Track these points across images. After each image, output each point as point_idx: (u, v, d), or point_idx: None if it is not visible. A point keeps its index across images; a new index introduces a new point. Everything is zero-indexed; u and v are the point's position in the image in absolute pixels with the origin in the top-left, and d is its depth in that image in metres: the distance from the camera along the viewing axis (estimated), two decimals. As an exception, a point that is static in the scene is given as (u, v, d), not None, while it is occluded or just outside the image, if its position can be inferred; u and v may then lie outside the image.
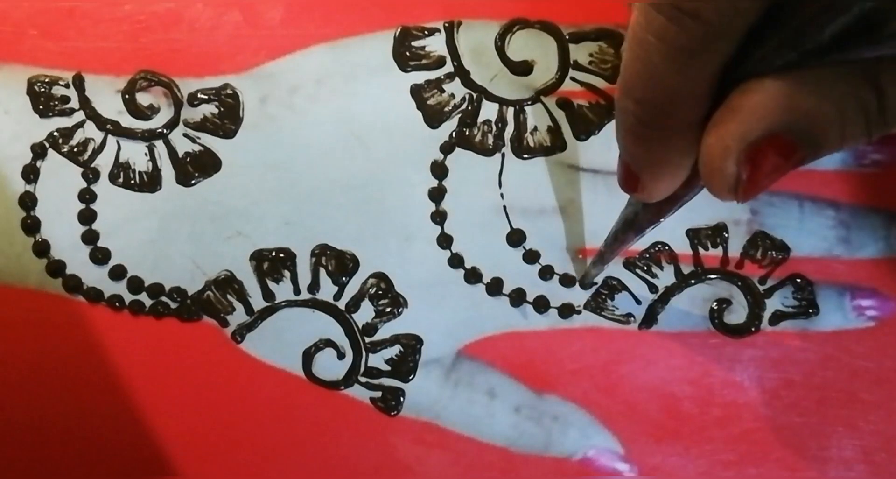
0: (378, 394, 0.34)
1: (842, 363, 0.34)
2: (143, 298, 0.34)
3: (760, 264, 0.34)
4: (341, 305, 0.34)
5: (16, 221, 0.33)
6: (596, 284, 0.34)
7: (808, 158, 0.22)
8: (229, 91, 0.34)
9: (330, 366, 0.34)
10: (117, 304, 0.33)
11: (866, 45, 0.21)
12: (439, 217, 0.34)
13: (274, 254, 0.34)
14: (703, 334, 0.34)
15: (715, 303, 0.34)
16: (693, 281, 0.34)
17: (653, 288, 0.34)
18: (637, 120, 0.24)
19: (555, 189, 0.34)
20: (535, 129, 0.35)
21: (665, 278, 0.34)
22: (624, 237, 0.30)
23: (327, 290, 0.34)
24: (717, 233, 0.34)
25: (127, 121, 0.34)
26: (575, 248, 0.34)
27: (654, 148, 0.24)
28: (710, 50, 0.22)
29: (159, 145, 0.34)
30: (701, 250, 0.34)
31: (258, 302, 0.34)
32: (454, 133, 0.35)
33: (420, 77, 0.35)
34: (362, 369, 0.34)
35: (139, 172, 0.34)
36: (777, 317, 0.34)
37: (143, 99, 0.34)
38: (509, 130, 0.35)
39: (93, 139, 0.34)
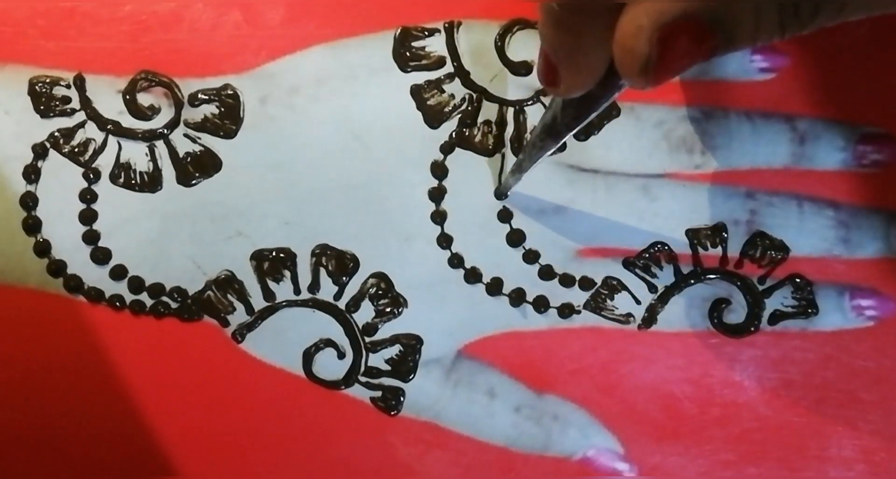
0: (378, 394, 0.34)
1: (841, 363, 0.34)
2: (144, 298, 0.34)
3: (760, 264, 0.35)
4: (341, 305, 0.34)
5: (17, 221, 0.34)
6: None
7: (720, 49, 0.22)
8: (230, 91, 0.34)
9: (330, 366, 0.34)
10: (118, 304, 0.34)
11: None
12: (439, 217, 0.34)
13: (274, 254, 0.34)
14: (702, 334, 0.34)
15: (714, 303, 0.34)
16: (692, 281, 0.34)
17: (652, 288, 0.34)
18: (558, 2, 0.24)
19: (554, 189, 0.34)
20: (535, 129, 0.35)
21: (664, 278, 0.34)
22: (542, 144, 0.30)
23: (327, 290, 0.34)
24: (716, 233, 0.34)
25: (128, 121, 0.34)
26: (574, 248, 0.34)
27: (572, 34, 0.24)
28: None
29: (160, 145, 0.34)
30: (700, 250, 0.34)
31: (258, 302, 0.34)
32: (454, 133, 0.35)
33: (420, 77, 0.35)
34: (362, 368, 0.34)
35: (140, 173, 0.34)
36: (776, 317, 0.34)
37: (144, 99, 0.34)
38: (509, 131, 0.35)
39: (94, 139, 0.34)
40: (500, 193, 0.34)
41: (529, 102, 0.35)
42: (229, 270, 0.34)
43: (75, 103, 0.34)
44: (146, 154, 0.34)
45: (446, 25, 0.35)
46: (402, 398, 0.34)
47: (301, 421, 0.33)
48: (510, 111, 0.35)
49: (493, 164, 0.35)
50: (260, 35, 0.35)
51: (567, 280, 0.34)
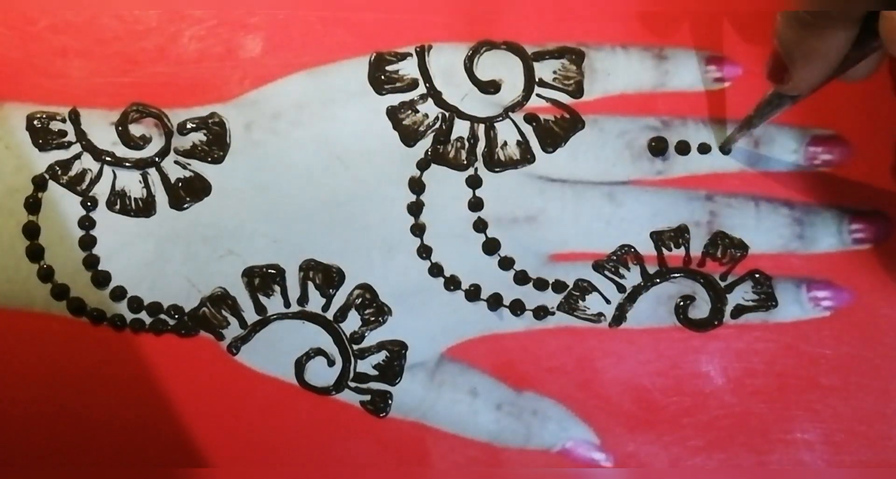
0: (367, 397, 0.34)
1: (801, 352, 0.35)
2: (143, 316, 0.34)
3: (721, 262, 0.36)
4: (329, 315, 0.35)
5: (21, 250, 0.34)
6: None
7: None
8: (216, 119, 0.35)
9: (321, 373, 0.34)
10: (119, 323, 0.34)
11: None
12: (418, 230, 0.35)
13: (264, 270, 0.35)
14: (669, 329, 0.35)
15: (679, 300, 0.35)
16: (658, 280, 0.35)
17: (621, 288, 0.35)
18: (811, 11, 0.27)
19: (525, 199, 0.35)
20: (505, 143, 0.36)
21: (632, 278, 0.35)
22: (780, 102, 0.32)
23: (316, 302, 0.35)
24: (679, 234, 0.36)
25: (121, 151, 0.35)
26: (546, 253, 0.36)
27: (815, 37, 0.27)
28: None
29: (152, 173, 0.35)
30: (664, 251, 0.36)
31: (251, 316, 0.35)
32: (429, 150, 0.36)
33: (395, 99, 0.36)
34: (351, 374, 0.34)
35: (134, 199, 0.35)
36: (738, 311, 0.35)
37: (136, 130, 0.35)
38: (481, 146, 0.36)
39: (90, 169, 0.35)
40: (725, 147, 0.36)
41: (499, 119, 0.36)
42: (222, 287, 0.35)
43: (71, 136, 0.35)
44: (140, 181, 0.35)
45: (418, 49, 0.36)
46: (389, 401, 0.34)
47: (295, 426, 0.34)
48: (481, 127, 0.36)
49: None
50: (243, 65, 0.36)
51: (541, 284, 0.35)
